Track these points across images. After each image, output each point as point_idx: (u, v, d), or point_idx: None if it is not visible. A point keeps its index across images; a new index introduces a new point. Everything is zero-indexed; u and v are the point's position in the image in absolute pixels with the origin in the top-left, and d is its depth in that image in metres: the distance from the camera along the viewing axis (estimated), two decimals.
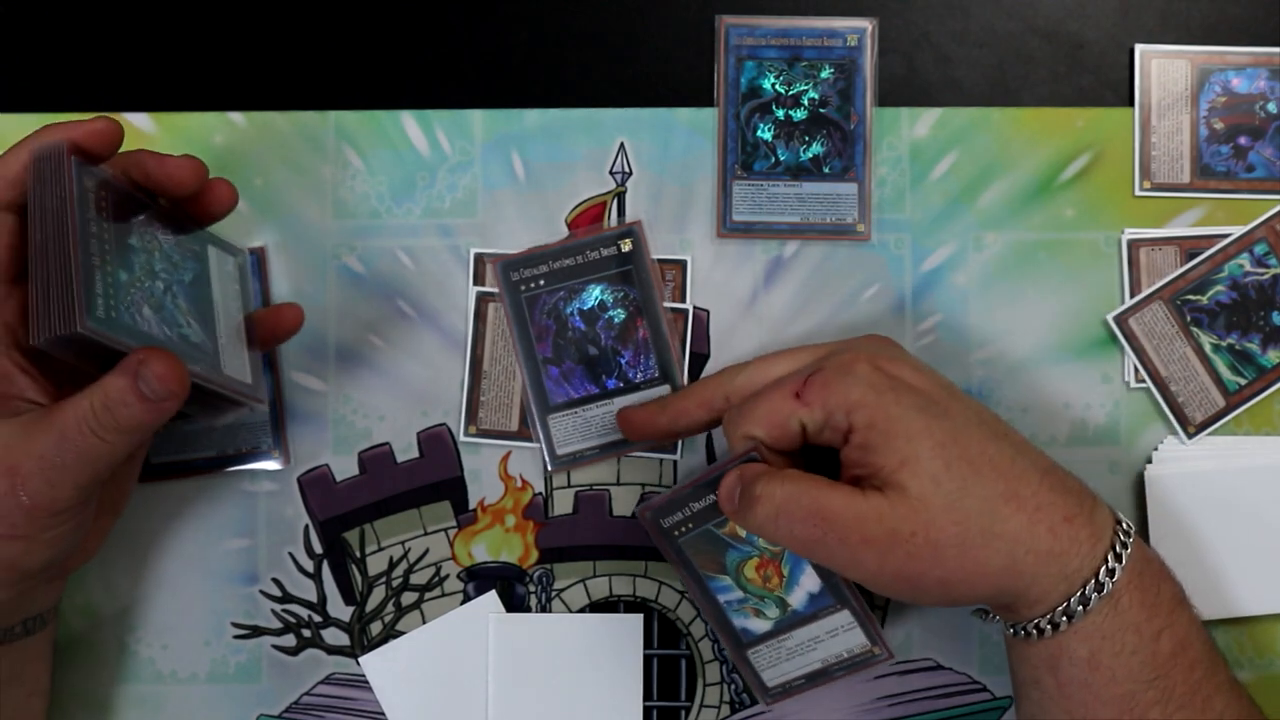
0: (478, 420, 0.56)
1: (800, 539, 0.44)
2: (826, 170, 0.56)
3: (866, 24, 0.56)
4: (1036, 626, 0.44)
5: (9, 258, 0.45)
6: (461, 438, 0.56)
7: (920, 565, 0.43)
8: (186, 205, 0.49)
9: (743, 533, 0.50)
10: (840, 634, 0.52)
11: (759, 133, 0.56)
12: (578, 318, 0.55)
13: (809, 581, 0.51)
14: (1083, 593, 0.43)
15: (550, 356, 0.55)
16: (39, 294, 0.42)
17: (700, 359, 0.56)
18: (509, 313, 0.55)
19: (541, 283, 0.55)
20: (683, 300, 0.56)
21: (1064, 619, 0.44)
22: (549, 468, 0.55)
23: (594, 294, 0.55)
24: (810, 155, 0.56)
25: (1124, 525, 0.46)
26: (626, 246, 0.55)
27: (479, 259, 0.56)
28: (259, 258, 0.56)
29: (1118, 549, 0.44)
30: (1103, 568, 0.44)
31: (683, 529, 0.50)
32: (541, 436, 0.55)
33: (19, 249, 0.44)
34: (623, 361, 0.55)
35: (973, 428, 0.44)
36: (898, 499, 0.43)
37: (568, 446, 0.55)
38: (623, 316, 0.55)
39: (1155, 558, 0.46)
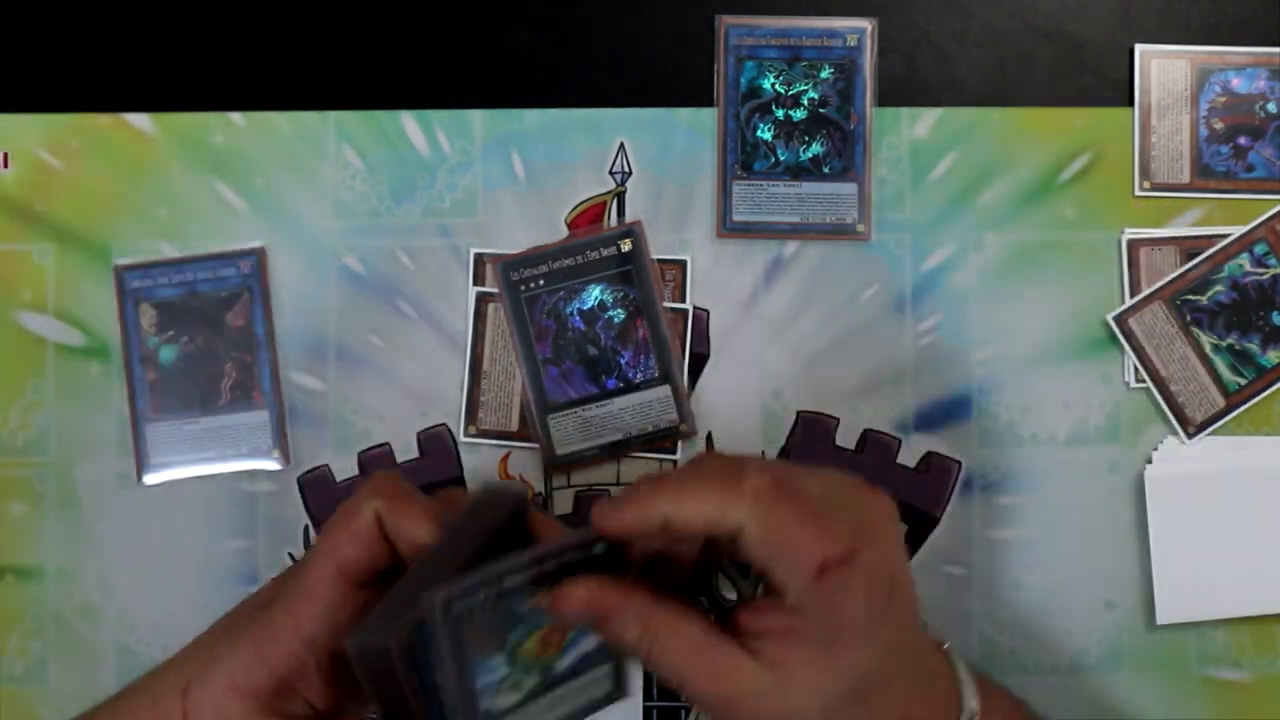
0: (478, 420, 0.56)
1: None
2: (826, 170, 0.56)
3: (866, 24, 0.56)
4: None
5: (365, 567, 0.39)
6: (461, 438, 0.56)
7: None
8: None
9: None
10: (591, 685, 0.43)
11: (759, 133, 0.56)
12: (577, 318, 0.55)
13: (588, 643, 0.42)
14: None
15: (550, 356, 0.55)
16: (393, 597, 0.36)
17: (700, 359, 0.56)
18: (509, 313, 0.55)
19: (541, 283, 0.55)
20: (683, 300, 0.56)
21: None
22: (548, 465, 0.55)
23: (594, 294, 0.55)
24: (810, 155, 0.56)
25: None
26: (626, 246, 0.55)
27: (479, 259, 0.56)
28: (259, 258, 0.56)
29: None
30: None
31: (476, 609, 0.37)
32: (541, 436, 0.55)
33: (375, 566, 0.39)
34: (623, 361, 0.55)
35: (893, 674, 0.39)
36: (770, 674, 0.38)
37: (568, 446, 0.55)
38: (622, 316, 0.55)
39: None
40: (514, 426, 0.56)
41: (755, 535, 0.37)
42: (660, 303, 0.55)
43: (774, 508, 0.37)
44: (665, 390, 0.55)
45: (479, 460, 0.56)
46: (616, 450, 0.55)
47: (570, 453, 0.55)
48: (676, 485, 0.38)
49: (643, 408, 0.55)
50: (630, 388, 0.55)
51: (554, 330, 0.55)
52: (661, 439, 0.55)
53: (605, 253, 0.55)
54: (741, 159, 0.56)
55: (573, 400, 0.55)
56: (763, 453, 0.56)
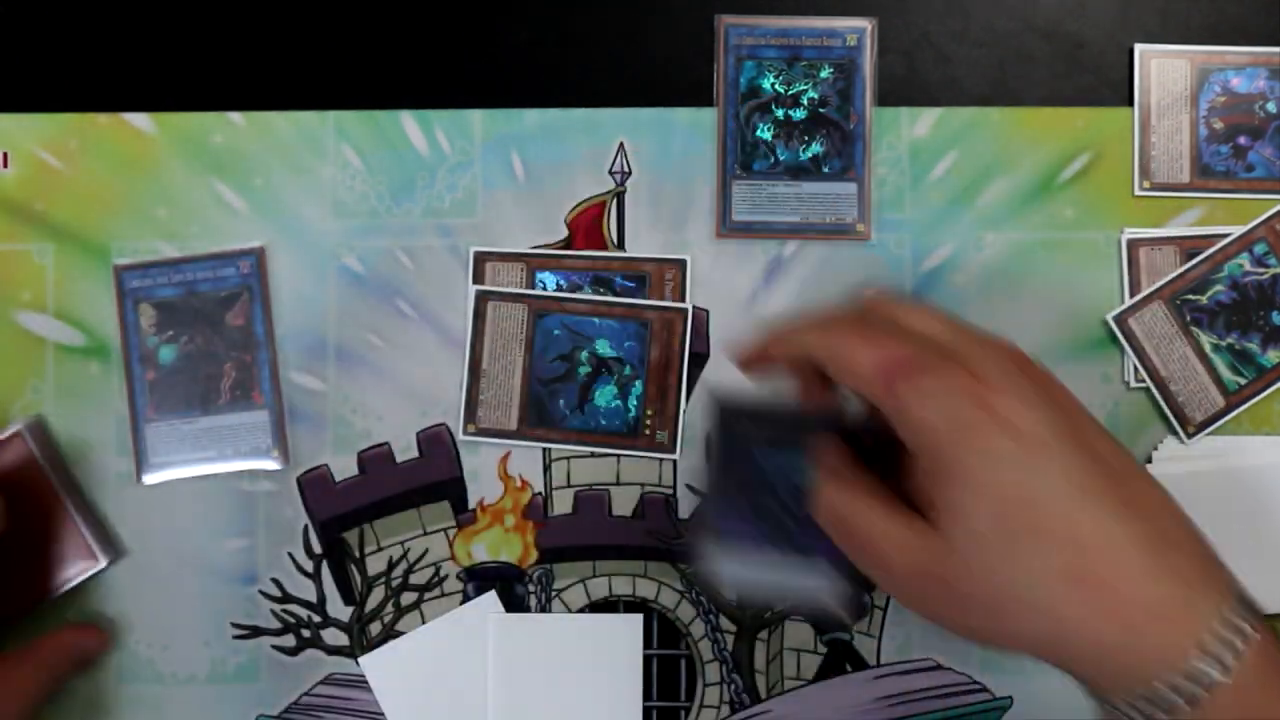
0: (476, 419, 0.56)
1: (837, 541, 0.41)
2: (826, 170, 0.56)
3: (866, 24, 0.56)
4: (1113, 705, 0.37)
5: None
6: (460, 437, 0.56)
7: (939, 609, 0.40)
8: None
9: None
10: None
11: (759, 132, 0.56)
12: (778, 474, 0.54)
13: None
14: (1168, 698, 0.36)
15: (746, 509, 0.54)
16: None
17: (700, 359, 0.56)
18: (719, 460, 0.53)
19: (751, 437, 0.54)
20: (682, 299, 0.56)
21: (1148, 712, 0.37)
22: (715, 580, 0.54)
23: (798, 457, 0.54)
24: (810, 155, 0.56)
25: (1247, 628, 0.37)
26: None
27: (479, 257, 0.56)
28: (258, 258, 0.56)
29: (1226, 659, 0.36)
30: (1195, 683, 0.36)
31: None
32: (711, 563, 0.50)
33: None
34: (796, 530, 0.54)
35: (1062, 490, 0.37)
36: (936, 540, 0.38)
37: (732, 576, 0.54)
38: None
39: None
40: (513, 425, 0.56)
41: (823, 356, 0.41)
42: None
43: (837, 328, 0.41)
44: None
45: (478, 460, 0.56)
46: (785, 592, 0.54)
47: (736, 582, 0.54)
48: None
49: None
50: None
51: (754, 484, 0.54)
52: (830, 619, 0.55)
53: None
54: (741, 159, 0.56)
55: (747, 542, 0.54)
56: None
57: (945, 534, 0.38)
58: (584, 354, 0.56)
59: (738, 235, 0.56)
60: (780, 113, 0.56)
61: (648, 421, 0.56)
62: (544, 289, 0.56)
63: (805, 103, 0.56)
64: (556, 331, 0.56)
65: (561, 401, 0.56)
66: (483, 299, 0.56)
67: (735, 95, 0.56)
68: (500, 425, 0.56)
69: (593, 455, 0.56)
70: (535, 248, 0.56)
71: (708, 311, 0.56)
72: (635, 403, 0.56)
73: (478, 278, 0.56)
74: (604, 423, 0.56)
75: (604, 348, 0.56)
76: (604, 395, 0.56)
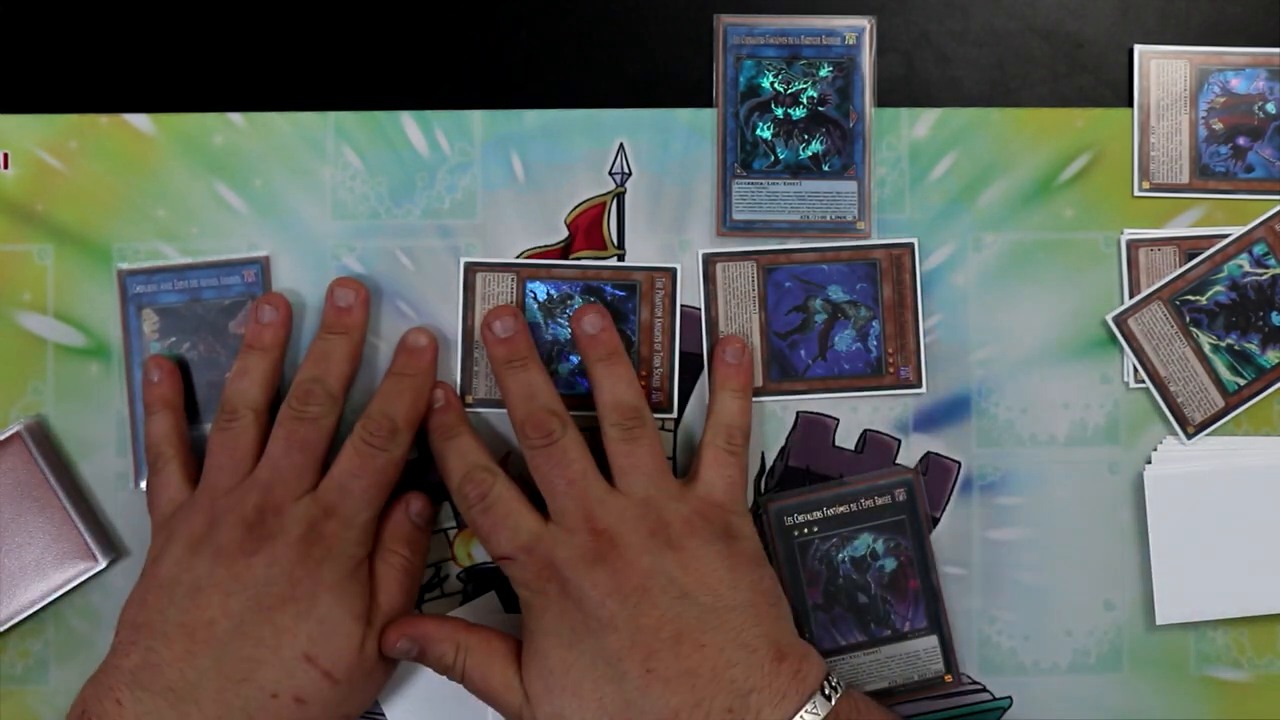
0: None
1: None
2: (826, 168, 0.56)
3: (865, 22, 0.56)
4: None
5: None
6: None
7: None
8: None
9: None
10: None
11: (758, 131, 0.56)
12: (848, 565, 0.55)
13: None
14: None
15: (820, 603, 0.55)
16: None
17: (699, 359, 0.56)
18: (781, 558, 0.54)
19: (816, 529, 0.55)
20: (673, 307, 0.56)
21: None
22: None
23: (865, 541, 0.55)
24: (809, 153, 0.56)
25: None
26: (901, 496, 0.55)
27: (469, 268, 0.56)
28: (263, 267, 0.56)
29: None
30: None
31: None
32: None
33: None
34: (891, 612, 0.55)
35: (592, 669, 0.47)
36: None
37: None
38: (893, 566, 0.55)
39: None
40: (759, 382, 0.55)
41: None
42: (931, 554, 0.55)
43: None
44: (933, 640, 0.55)
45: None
46: (879, 699, 0.54)
47: None
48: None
49: (909, 657, 0.55)
50: (898, 637, 0.55)
51: (825, 576, 0.55)
52: (926, 689, 0.55)
53: (879, 501, 0.55)
54: (741, 157, 0.56)
55: (841, 647, 0.55)
56: (762, 454, 0.56)
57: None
58: (818, 302, 0.56)
59: (738, 234, 0.56)
60: (780, 111, 0.56)
61: (890, 360, 0.56)
62: (535, 298, 0.56)
63: (804, 101, 0.56)
64: (788, 284, 0.56)
65: (802, 351, 0.56)
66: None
67: (734, 94, 0.56)
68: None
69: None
70: (535, 249, 0.56)
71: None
72: (875, 343, 0.56)
73: (468, 288, 0.56)
74: (847, 367, 0.56)
75: (837, 293, 0.56)
76: (843, 340, 0.56)
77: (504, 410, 0.54)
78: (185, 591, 0.48)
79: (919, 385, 0.56)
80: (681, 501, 0.50)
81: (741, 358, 0.54)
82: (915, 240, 0.56)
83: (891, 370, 0.56)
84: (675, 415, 0.56)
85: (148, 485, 0.53)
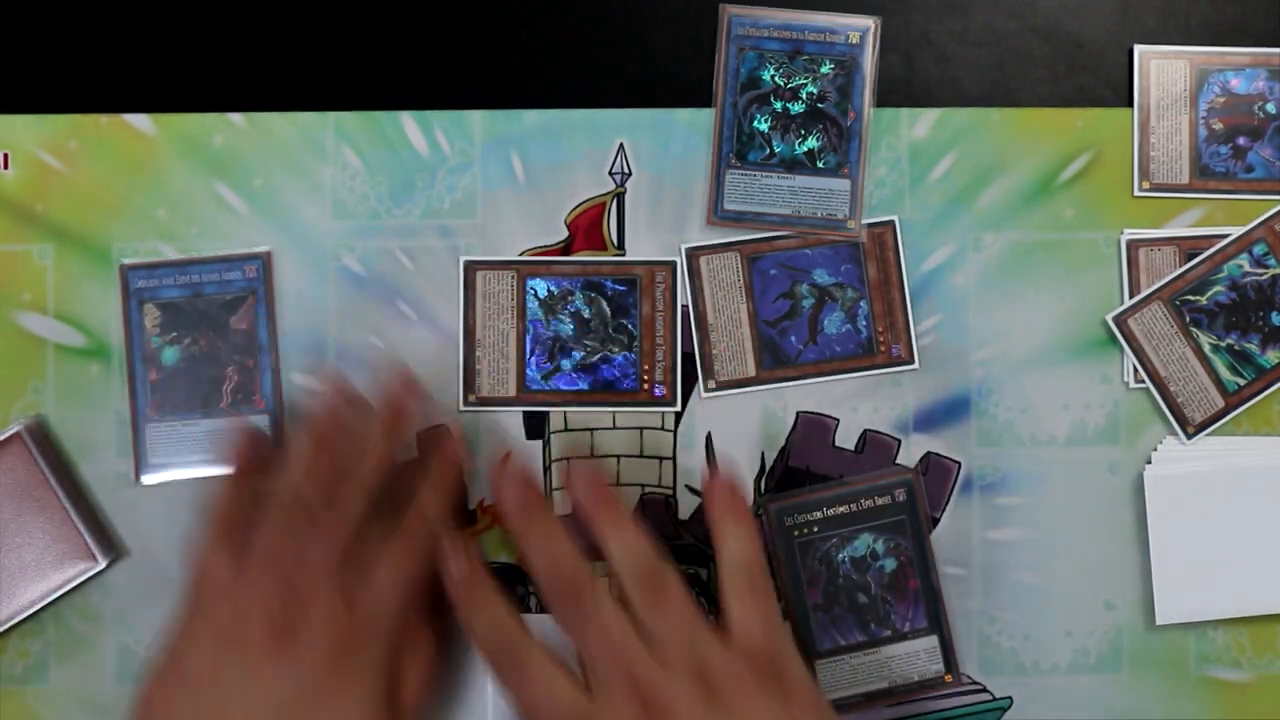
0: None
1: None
2: (820, 165, 0.56)
3: (869, 23, 0.56)
4: None
5: None
6: (461, 407, 0.56)
7: None
8: None
9: None
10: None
11: (755, 123, 0.56)
12: (848, 565, 0.55)
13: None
14: None
15: (820, 603, 0.55)
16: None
17: (693, 359, 0.56)
18: (781, 557, 0.55)
19: (816, 529, 0.55)
20: (674, 301, 0.56)
21: None
22: None
23: (865, 542, 0.55)
24: (805, 149, 0.56)
25: None
26: (901, 496, 0.55)
27: (469, 266, 0.56)
28: (264, 262, 0.56)
29: None
30: None
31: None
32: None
33: None
34: (891, 612, 0.55)
35: None
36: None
37: (833, 693, 0.54)
38: (893, 566, 0.55)
39: None
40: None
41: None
42: (931, 555, 0.55)
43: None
44: (933, 640, 0.55)
45: (479, 460, 0.56)
46: (878, 699, 0.55)
47: (836, 699, 0.54)
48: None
49: (909, 657, 0.55)
50: (898, 636, 0.55)
51: (825, 576, 0.55)
52: (925, 689, 0.55)
53: (880, 501, 0.55)
54: (737, 148, 0.56)
55: (841, 647, 0.55)
56: (762, 454, 0.56)
57: None
58: (804, 287, 0.56)
59: (728, 224, 0.56)
60: (778, 105, 0.56)
61: (880, 338, 0.56)
62: (535, 295, 0.56)
63: (804, 97, 0.56)
64: (773, 271, 0.56)
65: (793, 337, 0.56)
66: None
67: (735, 85, 0.56)
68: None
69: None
70: (535, 249, 0.56)
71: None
72: (865, 323, 0.56)
73: (468, 286, 0.56)
74: (838, 349, 0.56)
75: (822, 276, 0.56)
76: (833, 323, 0.56)
77: (504, 410, 0.54)
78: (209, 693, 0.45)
79: (911, 361, 0.56)
80: (726, 649, 0.46)
81: (733, 497, 0.50)
82: (895, 218, 0.56)
83: (883, 349, 0.56)
84: (679, 409, 0.56)
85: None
